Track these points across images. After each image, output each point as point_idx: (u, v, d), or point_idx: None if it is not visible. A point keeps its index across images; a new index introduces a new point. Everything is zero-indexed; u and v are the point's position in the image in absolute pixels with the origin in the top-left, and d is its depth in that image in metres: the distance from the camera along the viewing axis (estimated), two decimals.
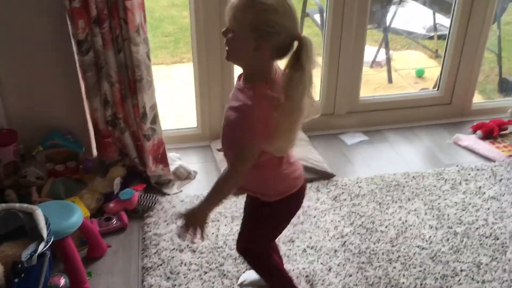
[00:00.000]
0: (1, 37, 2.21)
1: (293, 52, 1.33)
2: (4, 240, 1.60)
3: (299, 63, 1.31)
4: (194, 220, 1.45)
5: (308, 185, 2.46)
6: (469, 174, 2.55)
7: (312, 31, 4.39)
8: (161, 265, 2.01)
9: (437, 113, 3.08)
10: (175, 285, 1.92)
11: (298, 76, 1.31)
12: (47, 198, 2.20)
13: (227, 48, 1.38)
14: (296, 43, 1.33)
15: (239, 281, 1.95)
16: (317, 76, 2.75)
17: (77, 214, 1.90)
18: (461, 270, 1.98)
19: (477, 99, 3.26)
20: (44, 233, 1.54)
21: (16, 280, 1.44)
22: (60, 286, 1.86)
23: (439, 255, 2.05)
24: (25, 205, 1.64)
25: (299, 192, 1.59)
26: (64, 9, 2.10)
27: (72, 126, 2.46)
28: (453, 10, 2.85)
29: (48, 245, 1.53)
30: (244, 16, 1.30)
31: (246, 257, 1.78)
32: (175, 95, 3.70)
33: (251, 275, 1.92)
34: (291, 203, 1.61)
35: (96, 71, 2.24)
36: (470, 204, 2.34)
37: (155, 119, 2.38)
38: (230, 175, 1.44)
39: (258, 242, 1.70)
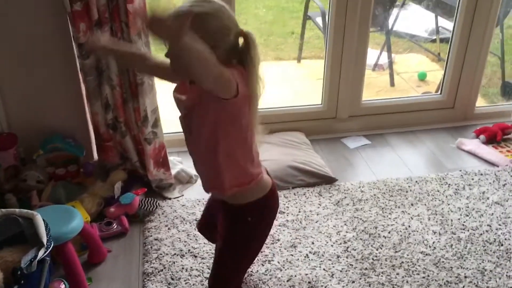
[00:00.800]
0: (1, 40, 2.19)
1: (241, 49, 1.33)
2: (4, 246, 1.58)
3: (250, 58, 1.31)
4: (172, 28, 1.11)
5: (310, 189, 2.45)
6: (473, 179, 2.53)
7: (314, 33, 4.38)
8: (162, 270, 1.99)
9: (440, 117, 3.06)
10: None
11: (255, 71, 1.32)
12: (48, 202, 2.18)
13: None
14: (241, 40, 1.33)
15: None
16: (319, 79, 2.74)
17: (77, 219, 1.89)
18: (465, 277, 1.96)
19: (480, 103, 3.24)
20: (44, 239, 1.52)
21: (16, 287, 1.42)
22: None
23: (443, 261, 2.03)
24: (24, 210, 1.62)
25: (274, 191, 1.52)
26: (65, 12, 2.09)
27: (72, 129, 2.44)
28: (457, 13, 2.84)
29: (48, 251, 1.51)
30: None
31: None
32: None
33: None
34: (271, 205, 1.52)
35: (97, 75, 2.23)
36: (473, 209, 2.33)
37: (156, 123, 2.37)
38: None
39: (236, 271, 1.58)
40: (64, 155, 2.38)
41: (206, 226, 1.77)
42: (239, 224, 1.50)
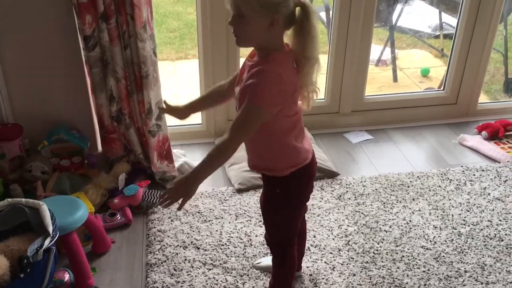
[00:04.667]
0: (7, 31, 2.21)
1: (300, 18, 1.38)
2: (10, 234, 1.60)
3: (309, 26, 1.36)
4: (181, 190, 1.41)
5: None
6: (474, 175, 2.55)
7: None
8: (165, 261, 2.01)
9: (443, 113, 3.07)
10: (178, 281, 1.92)
11: (314, 37, 1.37)
12: (52, 193, 2.20)
13: (237, 34, 1.39)
14: (298, 9, 1.38)
15: (256, 261, 2.00)
16: (322, 74, 2.74)
17: (82, 209, 1.91)
18: (465, 271, 1.98)
19: (482, 99, 3.25)
20: (50, 229, 1.54)
21: (22, 275, 1.44)
22: (65, 281, 1.86)
23: (443, 256, 2.05)
24: (30, 200, 1.65)
25: (309, 165, 1.58)
26: (71, 3, 2.10)
27: (77, 121, 2.46)
28: (460, 9, 2.84)
29: (53, 241, 1.53)
30: None
31: (272, 248, 1.75)
32: (179, 90, 3.70)
33: (268, 260, 1.94)
34: (303, 177, 1.58)
35: (102, 67, 2.24)
36: (474, 205, 2.34)
37: (160, 115, 2.38)
38: (228, 142, 1.39)
39: (281, 228, 1.67)
40: (68, 146, 2.40)
41: None
42: (270, 192, 1.61)
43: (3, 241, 1.57)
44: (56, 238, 1.55)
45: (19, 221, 1.63)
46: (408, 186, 2.46)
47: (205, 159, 1.42)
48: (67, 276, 1.88)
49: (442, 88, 3.12)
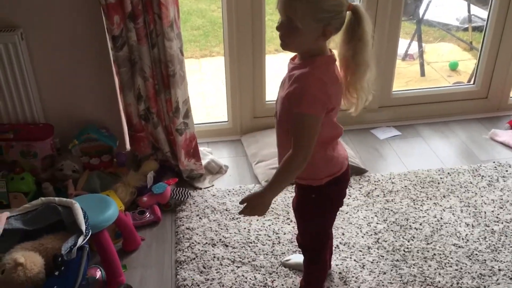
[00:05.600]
0: (37, 32, 2.24)
1: (350, 23, 1.34)
2: (44, 233, 1.64)
3: (361, 31, 1.32)
4: (255, 205, 1.45)
5: None
6: (507, 171, 2.48)
7: None
8: (194, 259, 2.03)
9: (473, 107, 3.00)
10: (208, 279, 1.94)
11: (366, 43, 1.34)
12: (83, 191, 2.24)
13: (284, 40, 1.36)
14: (348, 14, 1.34)
15: (285, 258, 2.00)
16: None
17: (112, 207, 1.93)
18: (499, 270, 1.94)
19: None
20: (83, 227, 1.56)
21: (56, 272, 1.47)
22: (97, 278, 1.89)
23: (476, 254, 2.01)
24: (64, 199, 1.67)
25: (345, 173, 1.57)
26: (99, 4, 2.12)
27: (106, 120, 2.49)
28: (491, 1, 2.77)
29: (86, 239, 1.56)
30: (308, 10, 1.28)
31: (304, 251, 1.74)
32: (204, 88, 3.72)
33: (297, 257, 1.94)
34: (338, 185, 1.57)
35: (130, 66, 2.26)
36: (508, 201, 2.28)
37: (187, 114, 2.39)
38: (294, 153, 1.37)
39: (316, 233, 1.66)
40: (98, 145, 2.43)
41: None
42: (304, 198, 1.58)
43: (38, 240, 1.60)
44: (88, 236, 1.57)
45: (52, 220, 1.66)
46: (439, 183, 2.42)
47: (275, 175, 1.41)
48: (99, 274, 1.91)
49: (472, 82, 3.05)
